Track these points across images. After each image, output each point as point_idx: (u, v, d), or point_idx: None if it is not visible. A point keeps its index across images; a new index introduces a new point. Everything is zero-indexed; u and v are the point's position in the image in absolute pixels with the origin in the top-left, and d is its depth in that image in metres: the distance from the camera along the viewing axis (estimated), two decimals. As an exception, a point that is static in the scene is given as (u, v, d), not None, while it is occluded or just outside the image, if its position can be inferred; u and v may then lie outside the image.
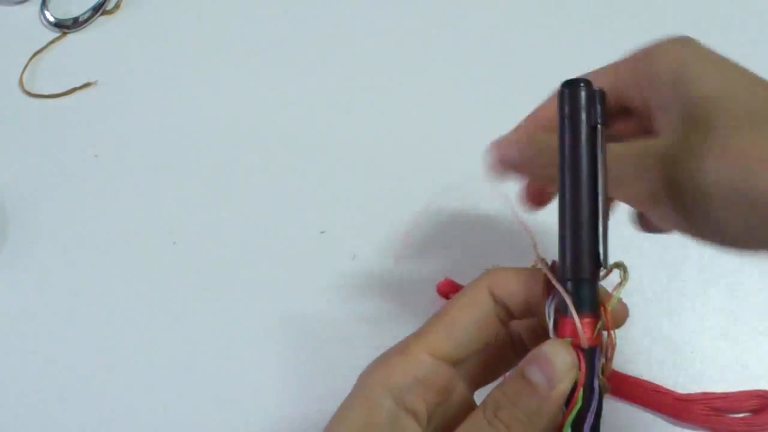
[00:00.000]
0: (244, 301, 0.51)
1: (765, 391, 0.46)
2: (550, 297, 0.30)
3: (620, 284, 0.30)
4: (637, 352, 0.49)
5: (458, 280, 0.49)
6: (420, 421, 0.29)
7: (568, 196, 0.30)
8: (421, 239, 0.52)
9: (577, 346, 0.29)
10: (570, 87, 0.31)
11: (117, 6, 0.65)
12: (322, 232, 0.53)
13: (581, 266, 0.30)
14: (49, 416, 0.48)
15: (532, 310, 0.31)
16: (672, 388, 0.47)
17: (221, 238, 0.54)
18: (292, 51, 0.62)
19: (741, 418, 0.46)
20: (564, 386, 0.28)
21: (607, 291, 0.31)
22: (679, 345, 0.49)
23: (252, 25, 0.64)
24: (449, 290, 0.49)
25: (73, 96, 0.61)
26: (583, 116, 0.30)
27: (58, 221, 0.55)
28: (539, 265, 0.31)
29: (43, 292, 0.52)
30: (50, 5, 0.65)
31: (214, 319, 0.50)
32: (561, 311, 0.30)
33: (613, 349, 0.30)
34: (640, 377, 0.47)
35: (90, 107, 0.60)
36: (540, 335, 0.31)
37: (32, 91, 0.61)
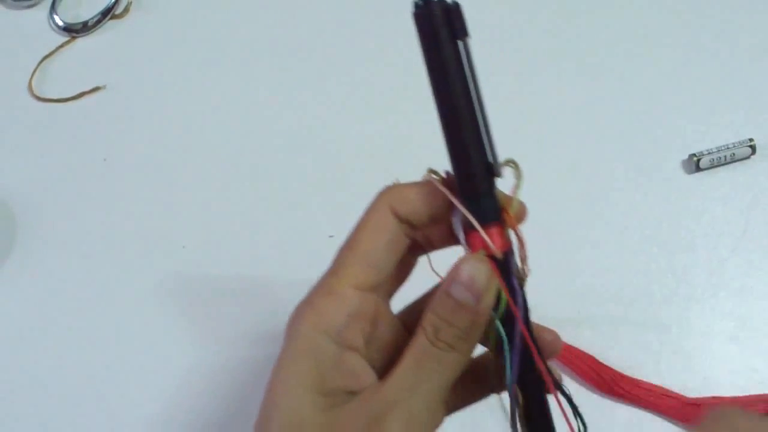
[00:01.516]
0: (254, 305, 0.51)
1: (775, 396, 0.46)
2: (455, 212, 0.31)
3: (517, 185, 0.31)
4: (646, 356, 0.49)
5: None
6: (361, 353, 0.31)
7: (447, 118, 0.30)
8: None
9: (492, 256, 0.30)
10: (423, 6, 0.30)
11: (126, 10, 0.65)
12: (330, 236, 0.53)
13: (477, 182, 0.30)
14: (57, 419, 0.48)
15: (435, 221, 0.32)
16: (681, 393, 0.47)
17: (230, 241, 0.54)
18: (301, 56, 0.62)
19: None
20: (489, 297, 0.30)
21: (504, 194, 0.31)
22: (689, 349, 0.49)
23: (261, 30, 0.64)
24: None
25: (82, 100, 0.61)
26: (443, 34, 0.30)
27: (66, 225, 0.55)
28: (439, 186, 0.31)
29: (52, 296, 0.52)
30: (59, 9, 0.65)
31: (223, 323, 0.51)
32: (469, 225, 0.30)
33: (524, 246, 0.31)
34: (649, 382, 0.47)
35: (99, 111, 0.60)
36: (443, 236, 0.33)
37: (41, 96, 0.61)
